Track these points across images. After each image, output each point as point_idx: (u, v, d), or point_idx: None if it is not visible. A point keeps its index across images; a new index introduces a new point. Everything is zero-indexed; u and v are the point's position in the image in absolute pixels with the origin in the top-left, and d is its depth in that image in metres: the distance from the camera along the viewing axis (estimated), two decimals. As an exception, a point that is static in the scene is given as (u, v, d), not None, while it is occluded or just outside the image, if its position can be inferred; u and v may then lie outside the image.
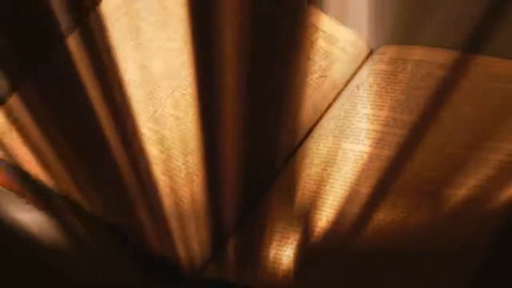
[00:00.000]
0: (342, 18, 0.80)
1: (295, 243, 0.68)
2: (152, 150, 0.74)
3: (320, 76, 0.77)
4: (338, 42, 0.79)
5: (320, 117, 0.76)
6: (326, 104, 0.76)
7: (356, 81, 0.76)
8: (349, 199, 0.69)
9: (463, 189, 0.67)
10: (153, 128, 0.74)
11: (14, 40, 0.76)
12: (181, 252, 0.69)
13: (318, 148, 0.73)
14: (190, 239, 0.70)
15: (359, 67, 0.78)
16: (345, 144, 0.72)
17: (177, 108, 0.75)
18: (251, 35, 0.77)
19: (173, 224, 0.71)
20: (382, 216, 0.68)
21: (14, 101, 0.75)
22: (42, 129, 0.73)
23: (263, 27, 0.78)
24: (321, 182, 0.71)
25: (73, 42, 0.77)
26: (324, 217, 0.69)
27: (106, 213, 0.70)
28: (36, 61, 0.76)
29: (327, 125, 0.74)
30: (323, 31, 0.79)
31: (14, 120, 0.74)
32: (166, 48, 0.78)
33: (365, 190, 0.69)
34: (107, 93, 0.74)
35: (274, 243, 0.69)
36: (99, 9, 0.80)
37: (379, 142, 0.71)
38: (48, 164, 0.72)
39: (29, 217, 0.72)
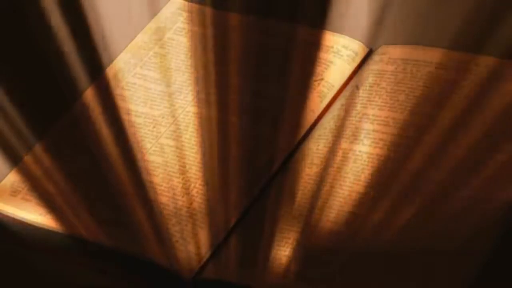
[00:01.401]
0: (341, 19, 0.80)
1: (295, 243, 0.68)
2: (154, 158, 0.74)
3: (315, 80, 0.77)
4: (332, 48, 0.79)
5: (320, 117, 0.76)
6: (324, 104, 0.76)
7: (356, 81, 0.76)
8: (349, 199, 0.69)
9: (463, 189, 0.67)
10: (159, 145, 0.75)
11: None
12: (181, 253, 0.69)
13: (318, 148, 0.73)
14: (190, 240, 0.70)
15: (358, 67, 0.78)
16: (345, 144, 0.72)
17: (178, 125, 0.76)
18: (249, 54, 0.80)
19: (173, 226, 0.71)
20: (382, 216, 0.68)
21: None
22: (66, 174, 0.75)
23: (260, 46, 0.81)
24: (321, 182, 0.71)
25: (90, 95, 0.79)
26: (324, 217, 0.69)
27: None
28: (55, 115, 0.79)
29: (327, 125, 0.74)
30: (317, 43, 0.79)
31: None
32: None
33: (365, 190, 0.69)
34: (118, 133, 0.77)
35: (274, 243, 0.68)
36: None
37: (379, 142, 0.71)
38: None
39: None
